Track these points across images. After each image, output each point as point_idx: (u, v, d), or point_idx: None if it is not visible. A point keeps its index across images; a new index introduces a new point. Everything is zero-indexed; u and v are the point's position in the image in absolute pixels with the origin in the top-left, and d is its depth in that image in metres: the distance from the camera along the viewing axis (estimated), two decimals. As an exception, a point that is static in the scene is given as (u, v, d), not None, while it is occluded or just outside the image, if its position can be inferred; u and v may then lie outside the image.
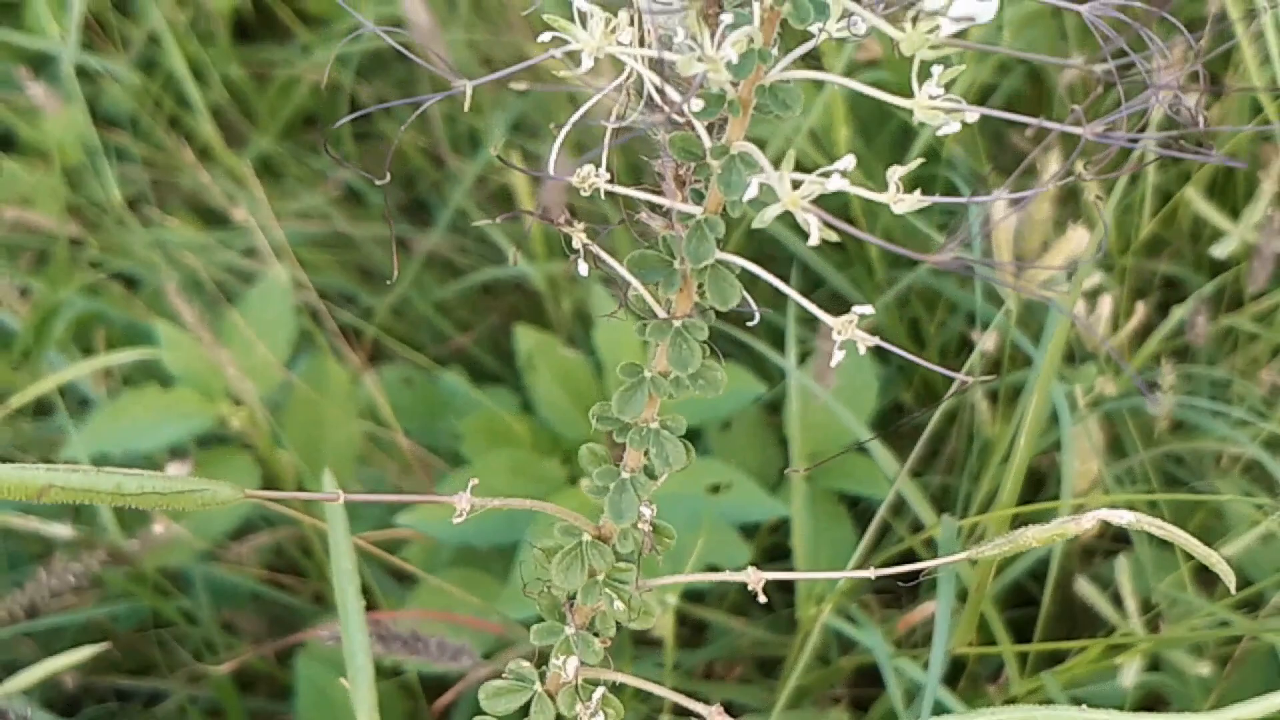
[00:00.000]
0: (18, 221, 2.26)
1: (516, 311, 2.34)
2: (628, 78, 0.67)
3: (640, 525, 0.78)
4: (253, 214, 2.20)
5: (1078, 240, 1.50)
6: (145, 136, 2.57)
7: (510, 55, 2.44)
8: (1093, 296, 1.85)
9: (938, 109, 0.63)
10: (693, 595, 1.90)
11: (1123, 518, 0.75)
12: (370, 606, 1.85)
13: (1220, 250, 1.86)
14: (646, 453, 0.77)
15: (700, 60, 0.61)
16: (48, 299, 1.96)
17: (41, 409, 2.12)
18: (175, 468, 1.50)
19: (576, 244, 0.70)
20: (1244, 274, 1.89)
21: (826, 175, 0.62)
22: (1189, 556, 1.83)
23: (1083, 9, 0.65)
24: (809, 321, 2.10)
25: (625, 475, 0.77)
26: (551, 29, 0.65)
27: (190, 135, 2.50)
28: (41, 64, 2.54)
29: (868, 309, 0.69)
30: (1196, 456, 1.96)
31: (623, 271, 0.70)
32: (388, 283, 2.36)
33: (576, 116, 0.67)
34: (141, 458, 1.89)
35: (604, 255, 0.70)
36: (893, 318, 2.05)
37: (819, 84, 1.88)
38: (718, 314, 0.73)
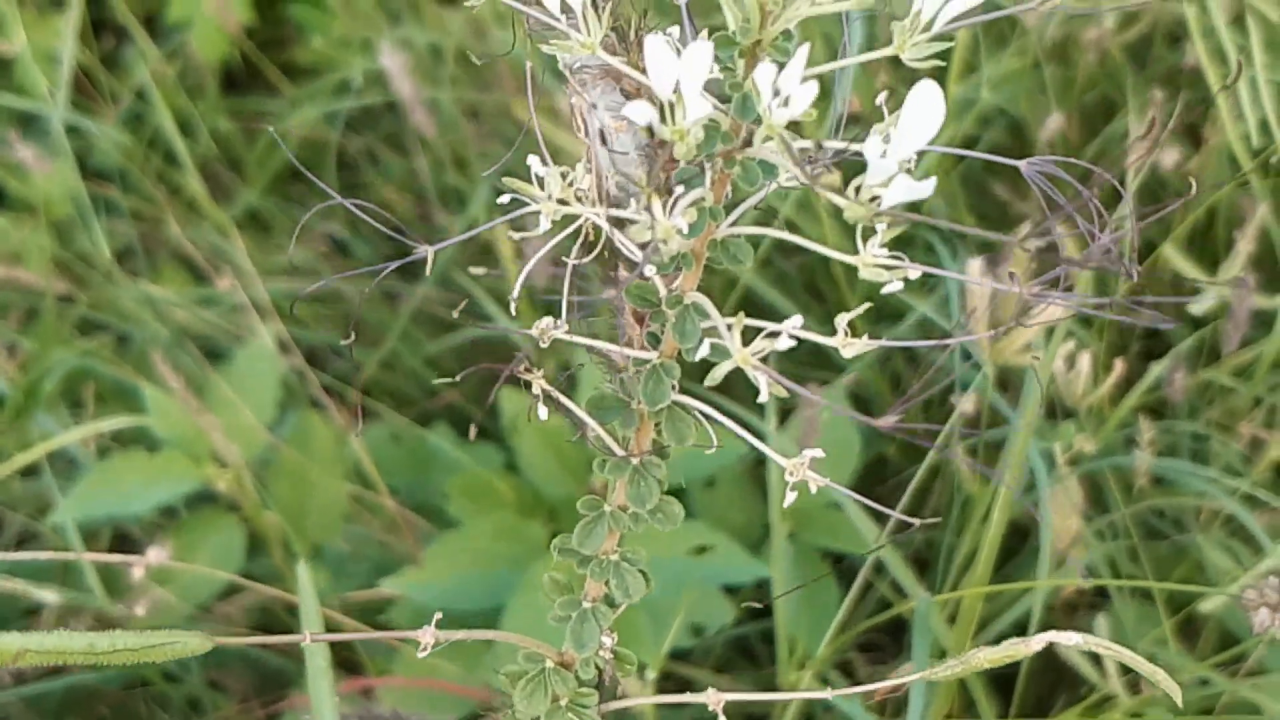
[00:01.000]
0: (6, 279, 2.27)
1: (506, 361, 2.36)
2: (585, 231, 0.69)
3: (602, 653, 0.80)
4: (240, 269, 2.22)
5: (1050, 312, 1.51)
6: (134, 189, 2.58)
7: (496, 108, 2.46)
8: (1072, 353, 1.87)
9: (880, 265, 0.64)
10: (677, 654, 1.91)
11: (1070, 639, 0.76)
12: (355, 670, 1.87)
13: (1197, 307, 1.88)
14: (608, 582, 0.78)
15: (653, 228, 0.62)
16: (37, 363, 1.97)
17: (30, 466, 2.13)
18: (154, 552, 1.51)
19: (535, 389, 0.71)
20: (1220, 329, 1.91)
21: (774, 336, 0.64)
22: (1171, 612, 1.85)
23: (1020, 164, 0.66)
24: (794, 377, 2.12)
25: (586, 605, 0.79)
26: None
27: (178, 189, 2.51)
28: (31, 118, 2.56)
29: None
30: (1178, 508, 1.97)
31: (580, 413, 0.71)
32: (345, 342, 2.38)
33: (531, 265, 0.69)
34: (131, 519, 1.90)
35: (561, 398, 0.71)
36: (875, 374, 2.07)
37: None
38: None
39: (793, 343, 0.64)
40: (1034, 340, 1.73)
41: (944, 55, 2.04)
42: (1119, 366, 1.88)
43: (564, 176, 0.68)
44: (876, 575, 1.91)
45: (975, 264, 1.56)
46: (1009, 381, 1.97)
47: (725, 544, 1.78)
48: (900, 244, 1.97)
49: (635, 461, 0.74)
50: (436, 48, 2.55)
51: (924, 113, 0.60)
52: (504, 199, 0.66)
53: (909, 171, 0.63)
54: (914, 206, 1.93)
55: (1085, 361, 1.86)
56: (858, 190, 0.61)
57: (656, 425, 0.73)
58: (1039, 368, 1.58)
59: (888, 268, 0.65)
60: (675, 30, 0.66)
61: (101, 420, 1.94)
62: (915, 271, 0.65)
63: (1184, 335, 2.00)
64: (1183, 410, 2.00)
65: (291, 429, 1.98)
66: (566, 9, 0.64)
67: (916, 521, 0.77)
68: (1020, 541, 2.01)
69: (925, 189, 0.60)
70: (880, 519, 1.77)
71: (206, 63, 2.66)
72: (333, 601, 1.90)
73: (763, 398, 0.63)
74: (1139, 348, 2.14)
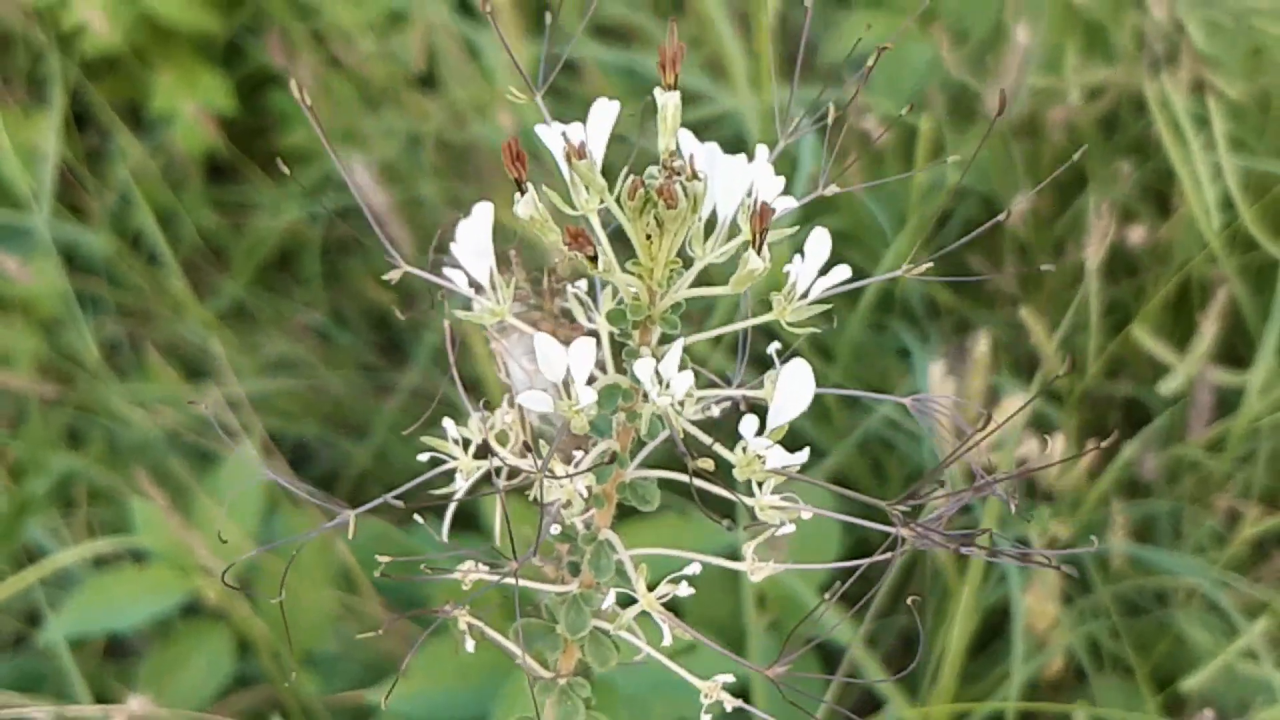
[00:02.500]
0: (-5, 384, 2.31)
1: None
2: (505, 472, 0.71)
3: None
4: (227, 365, 2.25)
5: (1015, 402, 1.54)
6: (120, 283, 2.61)
7: (476, 197, 2.48)
8: (1045, 434, 1.89)
9: (776, 508, 0.67)
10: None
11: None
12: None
13: (1166, 388, 1.90)
14: None
15: (561, 486, 0.65)
16: (26, 476, 2.00)
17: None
18: (136, 702, 1.54)
19: (461, 624, 0.74)
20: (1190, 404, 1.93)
21: (676, 582, 0.66)
22: (1155, 691, 1.87)
23: (906, 400, 0.69)
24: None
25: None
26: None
27: (164, 284, 2.54)
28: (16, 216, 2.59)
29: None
30: (1157, 585, 1.99)
31: (507, 644, 0.74)
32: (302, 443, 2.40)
33: (456, 501, 0.71)
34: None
35: (490, 632, 0.74)
36: (854, 458, 2.09)
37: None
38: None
39: (691, 590, 0.67)
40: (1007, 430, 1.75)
41: (911, 136, 2.05)
42: (1091, 448, 1.90)
43: (485, 420, 0.70)
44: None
45: (936, 368, 1.58)
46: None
47: (705, 644, 1.79)
48: (868, 326, 1.99)
49: (562, 682, 0.76)
50: (415, 136, 2.58)
51: (795, 391, 0.64)
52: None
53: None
54: (888, 290, 1.94)
55: (1059, 444, 1.88)
56: (745, 450, 0.64)
57: (581, 648, 0.75)
58: (1002, 462, 1.60)
59: (781, 508, 0.67)
60: (584, 284, 0.69)
61: (93, 541, 1.98)
62: (807, 513, 0.68)
63: (1160, 408, 2.02)
64: (1161, 482, 2.02)
65: (278, 534, 2.01)
66: (476, 285, 0.67)
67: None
68: (1004, 620, 2.03)
69: (798, 459, 0.64)
70: (865, 602, 1.79)
71: (189, 155, 2.70)
72: (322, 705, 1.93)
73: (665, 641, 0.65)
74: (1115, 419, 2.16)
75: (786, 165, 2.09)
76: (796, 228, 0.69)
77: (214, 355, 2.35)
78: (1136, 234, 2.01)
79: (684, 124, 2.24)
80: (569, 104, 2.57)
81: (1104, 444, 1.87)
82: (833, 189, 0.70)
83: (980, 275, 2.27)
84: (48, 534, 2.16)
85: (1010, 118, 2.18)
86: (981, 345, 1.61)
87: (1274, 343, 1.89)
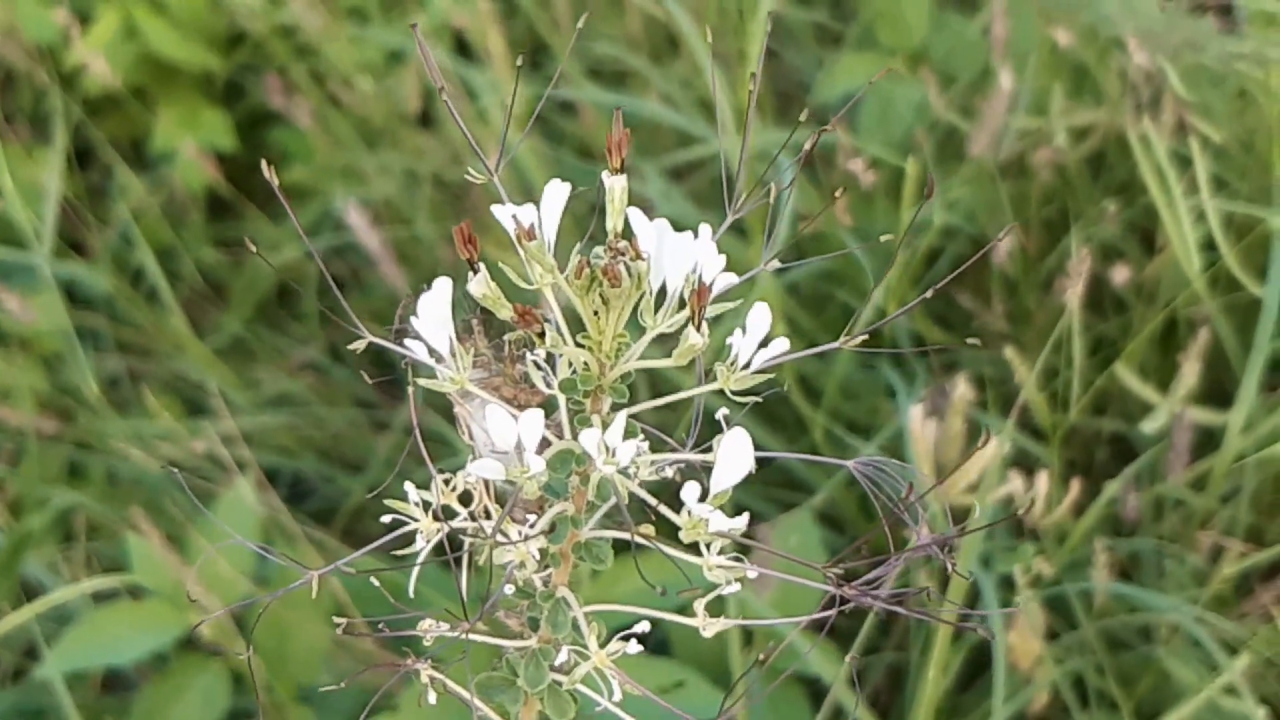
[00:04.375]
0: (-5, 420, 2.34)
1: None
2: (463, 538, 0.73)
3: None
4: (225, 401, 2.28)
5: (991, 451, 1.57)
6: (121, 318, 2.64)
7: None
8: (1029, 472, 1.91)
9: (723, 568, 0.70)
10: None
11: None
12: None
13: (1149, 426, 1.92)
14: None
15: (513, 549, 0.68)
16: (24, 516, 2.03)
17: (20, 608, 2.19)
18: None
19: (424, 677, 0.76)
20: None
21: (627, 640, 0.69)
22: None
23: (849, 464, 0.72)
24: (762, 499, 2.17)
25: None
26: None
27: (164, 320, 2.58)
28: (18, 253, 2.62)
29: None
30: (1141, 621, 2.00)
31: (467, 697, 0.76)
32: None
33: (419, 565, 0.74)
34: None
35: (452, 685, 0.76)
36: (843, 493, 2.11)
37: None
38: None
39: (640, 647, 0.69)
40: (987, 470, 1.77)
41: (899, 177, 2.08)
42: (1075, 486, 1.92)
43: (447, 482, 0.73)
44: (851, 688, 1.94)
45: (916, 411, 1.61)
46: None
47: (695, 681, 1.82)
48: (858, 364, 2.01)
49: (524, 736, 0.79)
50: (413, 174, 2.62)
51: (734, 458, 0.66)
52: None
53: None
54: (875, 333, 1.96)
55: (1042, 481, 1.90)
56: (689, 514, 0.67)
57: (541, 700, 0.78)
58: (982, 503, 1.63)
59: (727, 568, 0.70)
60: (543, 351, 0.72)
61: (90, 579, 2.00)
62: (753, 572, 0.71)
63: (1146, 444, 2.04)
64: (1146, 519, 2.04)
65: (273, 574, 2.03)
66: (436, 355, 0.70)
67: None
68: (988, 655, 2.05)
69: (739, 524, 0.66)
70: (850, 636, 1.81)
71: (190, 192, 2.73)
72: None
73: (616, 697, 0.68)
74: (1102, 455, 2.18)
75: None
76: (740, 300, 0.72)
77: (212, 391, 2.38)
78: (1121, 274, 2.04)
79: (677, 165, 2.27)
80: (564, 143, 2.61)
81: (1080, 488, 1.89)
82: (774, 264, 0.73)
83: (968, 312, 2.29)
84: (45, 568, 2.19)
85: (997, 158, 2.21)
86: (960, 388, 1.64)
87: (1255, 381, 1.91)
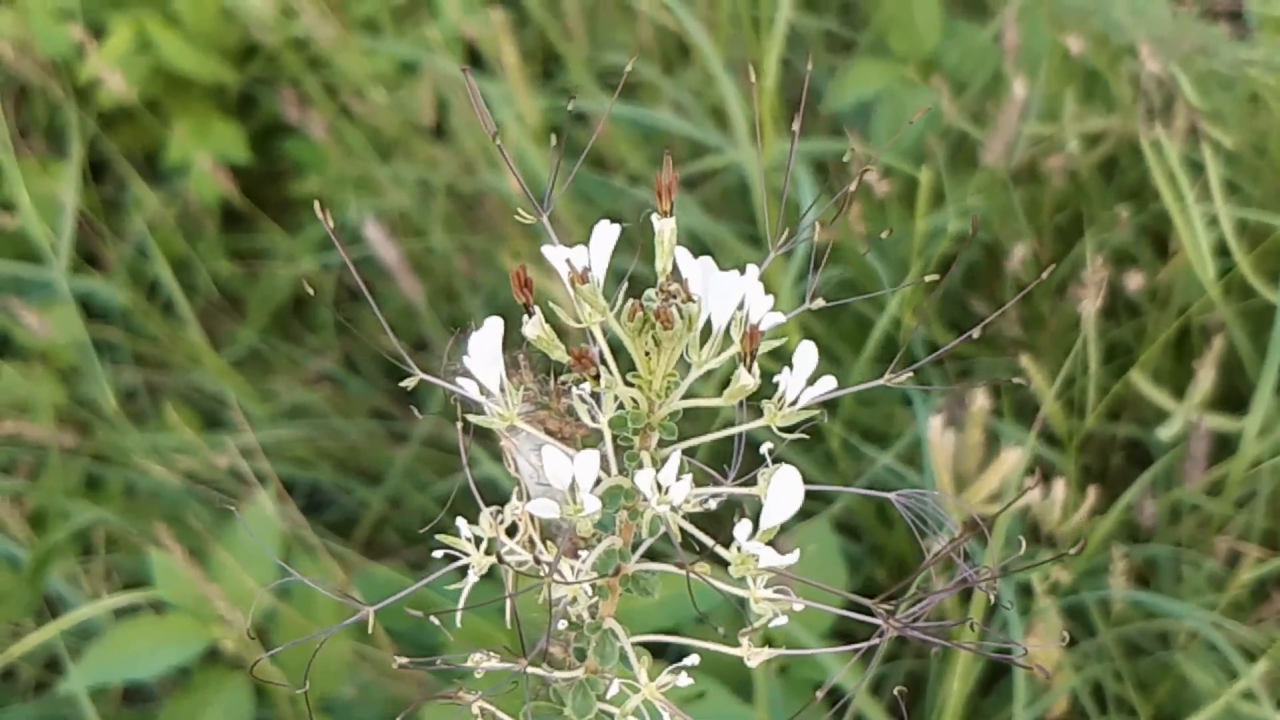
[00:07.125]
0: (14, 434, 2.35)
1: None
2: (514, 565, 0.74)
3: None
4: (242, 413, 2.29)
5: (1010, 461, 1.58)
6: (137, 331, 2.66)
7: (485, 245, 2.53)
8: (1047, 479, 1.92)
9: (769, 600, 0.71)
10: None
11: None
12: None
13: (1164, 433, 1.93)
14: None
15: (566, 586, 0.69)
16: (45, 532, 2.04)
17: (42, 621, 2.20)
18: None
19: (474, 710, 0.77)
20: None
21: (677, 672, 0.70)
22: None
23: (891, 496, 0.73)
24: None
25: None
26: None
27: (180, 332, 2.59)
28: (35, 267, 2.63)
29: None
30: (1159, 626, 2.01)
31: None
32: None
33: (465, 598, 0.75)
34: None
35: (501, 716, 0.77)
36: (860, 500, 2.12)
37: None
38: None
39: (690, 680, 0.70)
40: (1006, 480, 1.78)
41: (912, 185, 2.09)
42: (1092, 494, 1.93)
43: (495, 515, 0.74)
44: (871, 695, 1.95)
45: (935, 422, 1.62)
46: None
47: (716, 690, 1.82)
48: (873, 372, 2.03)
49: (572, 765, 0.80)
50: (427, 184, 2.63)
51: (785, 496, 0.68)
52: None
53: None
54: (891, 336, 1.97)
55: (1060, 489, 1.91)
56: (739, 549, 0.68)
57: (589, 729, 0.79)
58: (1001, 516, 1.64)
59: (774, 600, 0.71)
60: (588, 385, 0.73)
61: (112, 594, 2.01)
62: (799, 604, 0.72)
63: (1162, 450, 2.05)
64: (1162, 525, 2.05)
65: (294, 588, 2.05)
66: (485, 391, 0.71)
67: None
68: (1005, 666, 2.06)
69: (790, 559, 0.67)
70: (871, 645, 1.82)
71: (204, 204, 2.75)
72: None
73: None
74: (1118, 461, 2.19)
75: (792, 212, 2.13)
76: (785, 339, 0.73)
77: (229, 403, 2.39)
78: (1135, 280, 2.04)
79: (691, 175, 2.27)
80: (578, 155, 2.61)
81: (1097, 494, 1.90)
82: (820, 303, 0.74)
83: (983, 319, 2.30)
84: (66, 581, 2.20)
85: (1010, 165, 2.22)
86: (979, 400, 1.65)
87: (1270, 386, 1.92)
